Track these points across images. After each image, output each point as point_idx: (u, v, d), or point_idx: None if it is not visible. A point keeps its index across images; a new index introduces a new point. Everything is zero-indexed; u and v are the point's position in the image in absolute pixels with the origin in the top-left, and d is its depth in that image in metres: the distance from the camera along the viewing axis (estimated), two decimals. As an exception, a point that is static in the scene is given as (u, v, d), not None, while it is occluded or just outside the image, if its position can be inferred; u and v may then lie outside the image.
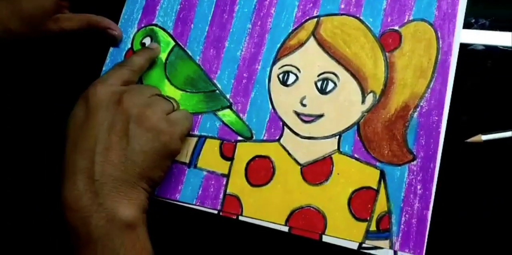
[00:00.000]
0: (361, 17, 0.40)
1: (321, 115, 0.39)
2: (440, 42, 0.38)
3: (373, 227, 0.36)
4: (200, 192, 0.41)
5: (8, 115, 0.48)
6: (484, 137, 0.37)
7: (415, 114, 0.37)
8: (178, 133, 0.37)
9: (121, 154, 0.35)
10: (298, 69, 0.41)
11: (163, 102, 0.39)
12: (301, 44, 0.41)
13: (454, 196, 0.37)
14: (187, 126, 0.39)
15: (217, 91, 0.43)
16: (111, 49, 0.47)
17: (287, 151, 0.39)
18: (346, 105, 0.39)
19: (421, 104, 0.38)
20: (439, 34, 0.38)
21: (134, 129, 0.36)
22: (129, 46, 0.46)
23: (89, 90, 0.37)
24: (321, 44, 0.41)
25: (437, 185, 0.36)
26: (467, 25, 0.39)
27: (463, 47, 0.38)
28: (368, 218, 0.37)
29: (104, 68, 0.46)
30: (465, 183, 0.37)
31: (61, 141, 0.36)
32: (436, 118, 0.37)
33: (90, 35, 0.46)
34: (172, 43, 0.45)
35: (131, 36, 0.47)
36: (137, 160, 0.35)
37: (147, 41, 0.46)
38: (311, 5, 0.42)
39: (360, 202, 0.37)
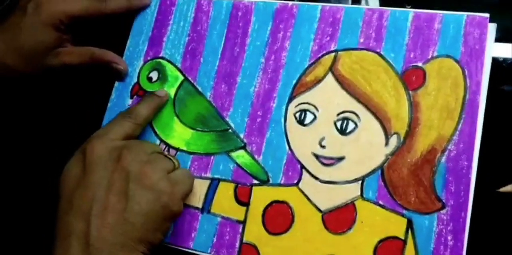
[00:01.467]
0: (381, 52, 0.40)
1: (342, 158, 0.39)
2: (468, 80, 0.38)
3: (401, 281, 0.36)
4: (214, 240, 0.40)
5: (8, 155, 0.48)
6: (518, 187, 0.37)
7: (443, 159, 0.37)
8: (180, 193, 0.37)
9: (119, 216, 0.34)
10: (316, 107, 0.41)
11: (164, 160, 0.38)
12: (319, 81, 0.41)
13: (485, 248, 0.37)
14: (188, 187, 0.39)
15: (230, 130, 0.43)
16: (116, 83, 0.47)
17: (307, 196, 0.39)
18: (369, 147, 0.39)
19: (449, 148, 0.37)
20: (466, 72, 0.38)
21: (134, 188, 0.35)
22: (135, 80, 0.47)
23: (86, 145, 0.37)
24: (340, 80, 0.41)
25: (468, 236, 0.35)
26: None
27: (493, 87, 0.37)
28: (396, 270, 0.36)
29: (109, 104, 0.47)
30: (496, 234, 0.37)
31: (55, 197, 0.36)
32: (466, 163, 0.37)
33: (94, 69, 0.46)
34: (181, 77, 0.46)
35: (137, 70, 0.47)
36: (136, 222, 0.35)
37: (154, 75, 0.46)
38: (328, 38, 0.42)
39: (386, 253, 0.37)
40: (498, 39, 0.38)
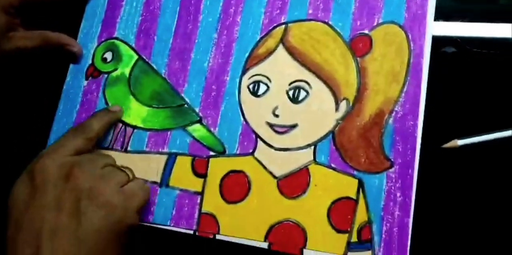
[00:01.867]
0: (329, 22, 0.42)
1: (294, 126, 0.41)
2: (412, 44, 0.40)
3: (354, 238, 0.38)
4: (174, 212, 0.41)
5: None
6: (460, 142, 0.39)
7: (390, 120, 0.39)
8: (135, 206, 0.37)
9: (71, 237, 0.33)
10: (268, 78, 0.42)
11: (117, 173, 0.38)
12: (270, 53, 0.43)
13: (433, 203, 0.38)
14: (144, 198, 0.39)
15: (186, 105, 0.44)
16: (71, 66, 0.47)
17: (262, 164, 0.41)
18: (320, 114, 0.40)
19: (396, 109, 0.39)
20: (410, 37, 0.40)
21: (86, 205, 0.35)
22: (90, 62, 0.47)
23: (35, 165, 0.36)
24: (291, 51, 0.42)
25: (416, 192, 0.37)
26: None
27: (435, 50, 0.39)
28: (349, 229, 0.38)
29: (65, 87, 0.47)
30: (443, 189, 0.39)
31: (3, 219, 0.35)
32: (412, 123, 0.38)
33: (48, 52, 0.46)
34: (135, 56, 0.46)
35: (92, 51, 0.48)
36: (89, 240, 0.34)
37: (109, 55, 0.47)
38: (278, 11, 0.43)
39: (339, 213, 0.38)
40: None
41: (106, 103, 0.46)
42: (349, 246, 0.38)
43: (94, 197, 0.35)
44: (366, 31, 0.41)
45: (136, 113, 0.45)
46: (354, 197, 0.38)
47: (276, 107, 0.41)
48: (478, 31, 0.42)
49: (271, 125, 0.41)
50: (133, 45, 0.46)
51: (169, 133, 0.43)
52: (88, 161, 0.37)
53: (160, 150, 0.43)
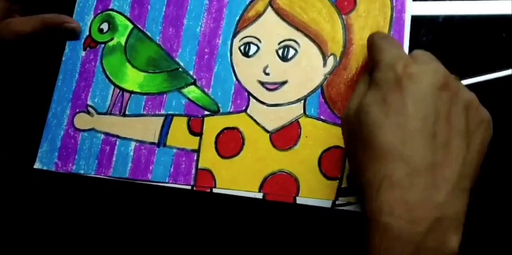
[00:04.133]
0: (315, -17, 0.46)
1: (284, 82, 0.45)
2: (394, 0, 0.44)
3: (344, 184, 0.42)
4: (172, 170, 0.45)
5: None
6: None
7: (375, 72, 0.43)
8: None
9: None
10: (258, 39, 0.46)
11: None
12: (259, 15, 0.47)
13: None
14: None
15: (180, 69, 0.48)
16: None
17: (255, 120, 0.45)
18: (308, 70, 0.45)
19: (381, 61, 0.43)
20: (391, -7, 0.44)
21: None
22: (87, 33, 0.51)
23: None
24: (279, 13, 0.46)
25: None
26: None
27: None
28: (339, 176, 0.42)
29: (63, 58, 0.51)
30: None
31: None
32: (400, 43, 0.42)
33: (46, 36, 0.49)
34: (130, 26, 0.51)
35: (88, 24, 0.52)
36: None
37: (105, 26, 0.51)
38: (266, -25, 0.48)
39: (329, 161, 0.42)
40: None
41: (104, 71, 0.50)
42: (340, 191, 0.42)
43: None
44: (350, -10, 0.45)
45: (133, 79, 0.49)
46: (343, 145, 0.42)
47: (266, 66, 0.45)
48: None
49: (262, 83, 0.45)
50: (128, 15, 0.51)
51: (165, 95, 0.47)
52: None
53: (157, 112, 0.47)
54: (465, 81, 0.43)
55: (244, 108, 0.45)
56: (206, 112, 0.45)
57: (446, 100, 0.33)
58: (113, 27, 0.50)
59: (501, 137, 0.37)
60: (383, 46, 0.37)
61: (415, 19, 0.44)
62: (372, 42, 0.38)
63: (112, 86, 0.49)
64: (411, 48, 0.42)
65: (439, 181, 0.31)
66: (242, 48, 0.46)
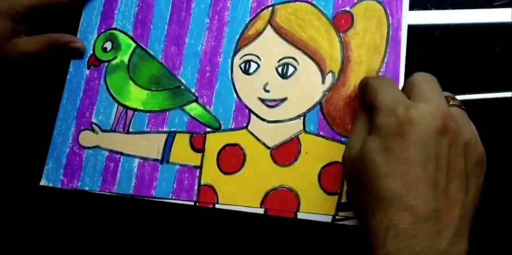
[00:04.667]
0: (313, 2, 0.48)
1: (284, 99, 0.46)
2: (390, 18, 0.46)
3: (344, 199, 0.43)
4: (175, 186, 0.47)
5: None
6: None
7: (373, 88, 0.44)
8: None
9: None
10: (258, 57, 0.48)
11: None
12: (259, 33, 0.48)
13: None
14: None
15: (182, 86, 0.50)
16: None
17: (256, 137, 0.46)
18: (308, 87, 0.46)
19: (378, 78, 0.45)
20: (388, 11, 0.46)
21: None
22: (91, 52, 0.53)
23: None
24: (278, 31, 0.48)
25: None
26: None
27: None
28: (339, 191, 0.43)
29: (68, 77, 0.53)
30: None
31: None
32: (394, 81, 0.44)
33: (51, 55, 0.51)
34: (133, 45, 0.52)
35: (92, 42, 0.53)
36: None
37: (108, 45, 0.53)
38: (265, -6, 0.49)
39: (329, 177, 0.43)
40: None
41: (108, 89, 0.51)
42: (340, 206, 0.43)
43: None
44: (347, 8, 0.47)
45: (136, 97, 0.50)
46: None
47: (266, 84, 0.47)
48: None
49: (262, 100, 0.47)
50: (131, 34, 0.52)
51: (167, 113, 0.49)
52: None
53: (160, 129, 0.49)
54: (461, 97, 0.44)
55: (245, 125, 0.46)
56: (208, 129, 0.47)
57: (446, 144, 0.35)
58: (116, 46, 0.52)
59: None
60: (380, 88, 0.38)
61: (412, 33, 0.45)
62: (367, 84, 0.40)
63: (116, 104, 0.50)
64: (407, 63, 0.44)
65: (442, 228, 0.33)
66: (242, 66, 0.47)
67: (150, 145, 0.47)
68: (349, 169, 0.39)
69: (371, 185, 0.35)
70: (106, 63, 0.51)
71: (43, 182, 0.48)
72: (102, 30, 0.52)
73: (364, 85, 0.40)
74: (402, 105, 0.35)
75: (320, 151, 0.43)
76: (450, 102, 0.37)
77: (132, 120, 0.49)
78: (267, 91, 0.46)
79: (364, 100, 0.40)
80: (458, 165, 0.35)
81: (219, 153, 0.46)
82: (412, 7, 0.46)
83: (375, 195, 0.34)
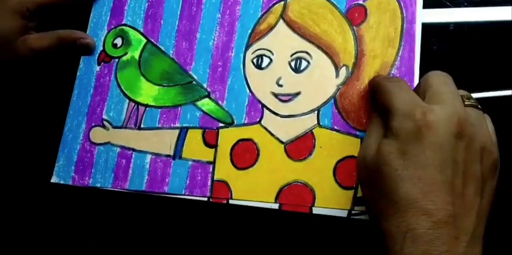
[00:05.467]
0: (326, -5, 0.48)
1: (298, 94, 0.46)
2: (404, 11, 0.46)
3: (359, 193, 0.43)
4: (188, 182, 0.47)
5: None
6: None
7: (388, 82, 0.44)
8: None
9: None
10: (271, 52, 0.48)
11: None
12: (271, 28, 0.49)
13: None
14: None
15: (194, 82, 0.50)
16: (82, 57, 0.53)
17: (269, 131, 0.46)
18: (321, 81, 0.46)
19: (393, 72, 0.45)
20: (402, 4, 0.46)
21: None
22: (101, 48, 0.53)
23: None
24: (291, 25, 0.48)
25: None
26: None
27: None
28: (354, 186, 0.43)
29: (78, 73, 0.53)
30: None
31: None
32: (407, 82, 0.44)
33: (61, 51, 0.51)
34: (144, 40, 0.52)
35: (102, 39, 0.54)
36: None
37: (119, 41, 0.53)
38: (277, -12, 0.49)
39: (344, 171, 0.43)
40: None
41: (118, 85, 0.51)
42: (355, 200, 0.43)
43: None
44: (360, 2, 0.47)
45: (148, 92, 0.51)
46: (357, 155, 0.43)
47: (279, 78, 0.47)
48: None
49: (275, 95, 0.47)
50: (142, 30, 0.52)
51: (179, 108, 0.49)
52: None
53: (172, 125, 0.49)
54: (476, 95, 0.44)
55: (258, 120, 0.46)
56: (221, 125, 0.47)
57: (462, 148, 0.35)
58: (126, 42, 0.52)
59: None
60: (394, 91, 0.38)
61: (426, 27, 0.45)
62: (380, 86, 0.40)
63: (127, 100, 0.50)
64: (422, 58, 0.44)
65: (459, 232, 0.33)
66: (255, 60, 0.47)
67: (162, 141, 0.47)
68: (364, 171, 0.38)
69: (388, 188, 0.35)
70: (117, 60, 0.52)
71: (54, 179, 0.49)
72: (112, 26, 0.53)
73: (377, 87, 0.40)
74: (419, 109, 0.35)
75: (335, 145, 0.44)
76: (466, 102, 0.37)
77: (144, 116, 0.49)
78: (280, 85, 0.46)
79: (376, 101, 0.40)
80: (474, 169, 0.35)
81: (232, 148, 0.46)
82: (428, 5, 0.46)
83: (392, 199, 0.34)
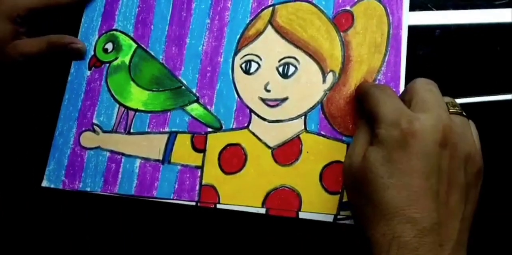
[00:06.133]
0: (313, 2, 0.49)
1: (285, 99, 0.47)
2: (390, 17, 0.46)
3: (345, 198, 0.43)
4: (176, 186, 0.47)
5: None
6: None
7: (374, 88, 0.45)
8: None
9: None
10: (259, 57, 0.49)
11: None
12: (260, 33, 0.49)
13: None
14: None
15: (183, 87, 0.50)
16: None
17: (257, 136, 0.47)
18: (309, 86, 0.47)
19: (379, 78, 0.45)
20: (388, 10, 0.47)
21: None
22: (92, 53, 0.54)
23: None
24: (279, 31, 0.49)
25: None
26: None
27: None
28: (340, 191, 0.44)
29: (69, 78, 0.53)
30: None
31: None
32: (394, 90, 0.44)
33: (52, 56, 0.51)
34: (134, 45, 0.53)
35: (93, 43, 0.54)
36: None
37: (109, 46, 0.54)
38: (265, -6, 0.50)
39: (330, 176, 0.44)
40: None
41: (109, 90, 0.52)
42: (341, 205, 0.43)
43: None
44: (347, 8, 0.48)
45: (137, 97, 0.51)
46: (343, 159, 0.44)
47: (267, 83, 0.48)
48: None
49: (263, 100, 0.47)
50: (132, 35, 0.53)
51: (169, 113, 0.50)
52: None
53: (161, 129, 0.49)
54: (461, 100, 0.44)
55: (246, 124, 0.47)
56: (209, 129, 0.47)
57: (447, 156, 0.35)
58: (117, 47, 0.53)
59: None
60: (381, 99, 0.39)
61: (412, 32, 0.46)
62: (367, 93, 0.40)
63: (117, 105, 0.51)
64: (408, 63, 0.44)
65: (443, 239, 0.34)
66: (243, 66, 0.48)
67: (152, 145, 0.48)
68: (350, 178, 0.39)
69: (373, 196, 0.35)
70: (107, 64, 0.52)
71: (44, 183, 0.49)
72: (103, 31, 0.53)
73: (363, 94, 0.41)
74: (405, 117, 0.36)
75: (321, 150, 0.44)
76: (451, 110, 0.37)
77: (133, 121, 0.50)
78: (268, 91, 0.47)
79: (363, 108, 0.41)
80: (459, 176, 0.35)
81: (220, 153, 0.46)
82: (413, 7, 0.46)
83: (377, 207, 0.35)
